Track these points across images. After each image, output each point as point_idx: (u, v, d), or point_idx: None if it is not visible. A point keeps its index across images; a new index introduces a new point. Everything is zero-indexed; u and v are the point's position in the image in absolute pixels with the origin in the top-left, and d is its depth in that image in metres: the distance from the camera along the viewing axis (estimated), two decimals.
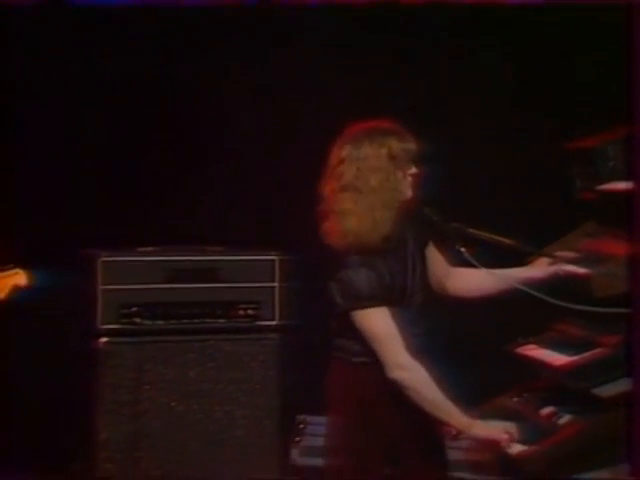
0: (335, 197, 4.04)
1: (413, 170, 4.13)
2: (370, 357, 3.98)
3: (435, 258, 4.17)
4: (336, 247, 4.17)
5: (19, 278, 4.40)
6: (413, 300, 4.07)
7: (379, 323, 4.00)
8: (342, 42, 5.93)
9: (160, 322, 5.09)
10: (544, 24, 5.88)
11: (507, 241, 4.16)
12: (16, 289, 4.38)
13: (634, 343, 4.10)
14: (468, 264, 4.18)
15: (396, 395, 3.99)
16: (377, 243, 4.13)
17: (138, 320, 5.05)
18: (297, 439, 5.16)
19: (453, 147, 5.28)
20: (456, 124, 5.66)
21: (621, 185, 4.31)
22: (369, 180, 4.09)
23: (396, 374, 3.96)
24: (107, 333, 5.01)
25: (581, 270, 4.16)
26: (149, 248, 5.24)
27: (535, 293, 4.11)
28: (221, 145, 5.76)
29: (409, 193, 4.10)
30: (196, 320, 5.12)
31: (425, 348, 4.04)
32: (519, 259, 4.23)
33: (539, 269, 4.23)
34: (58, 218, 5.42)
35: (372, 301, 4.00)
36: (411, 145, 4.11)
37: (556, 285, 4.20)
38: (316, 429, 5.05)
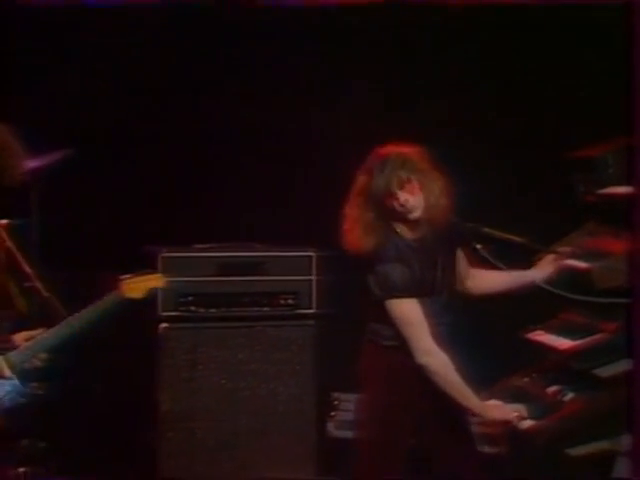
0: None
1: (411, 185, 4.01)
2: (399, 341, 4.03)
3: (461, 261, 4.21)
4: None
5: (157, 281, 4.40)
6: (440, 293, 4.10)
7: (409, 312, 4.04)
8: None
9: (213, 310, 5.10)
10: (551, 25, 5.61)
11: (518, 239, 4.19)
12: (153, 291, 4.39)
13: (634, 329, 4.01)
14: (484, 260, 4.21)
15: (423, 375, 4.03)
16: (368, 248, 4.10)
17: (193, 308, 5.08)
18: (332, 414, 5.19)
19: (472, 158, 5.21)
20: (475, 138, 5.56)
21: (619, 189, 4.28)
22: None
23: (422, 360, 4.01)
24: (167, 320, 5.06)
25: (583, 264, 4.20)
26: (204, 245, 5.26)
27: (544, 285, 4.17)
28: (270, 154, 5.66)
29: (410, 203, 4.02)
30: (244, 308, 5.14)
31: (448, 336, 4.08)
32: (529, 255, 4.27)
33: (542, 271, 4.23)
34: (124, 218, 5.33)
35: (404, 292, 4.05)
36: (416, 167, 4.03)
37: (561, 279, 4.24)
38: (349, 405, 5.09)
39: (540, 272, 4.30)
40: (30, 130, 4.39)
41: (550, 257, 4.27)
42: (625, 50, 4.49)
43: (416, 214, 3.95)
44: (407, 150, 4.10)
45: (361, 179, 4.13)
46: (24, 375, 4.36)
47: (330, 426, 5.17)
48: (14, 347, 4.37)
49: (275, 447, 5.26)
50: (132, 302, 4.36)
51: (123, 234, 5.37)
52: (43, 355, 4.41)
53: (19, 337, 4.39)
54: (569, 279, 4.27)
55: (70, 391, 5.14)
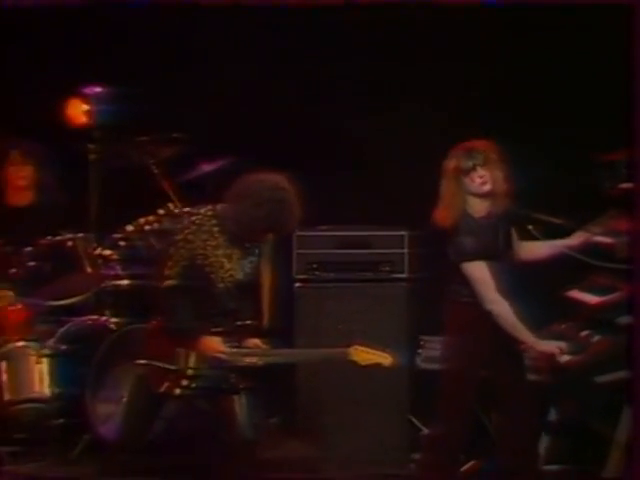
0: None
1: (480, 172, 4.16)
2: (473, 298, 4.24)
3: (514, 236, 4.38)
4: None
5: (385, 360, 4.12)
6: (501, 258, 4.28)
7: (478, 271, 4.23)
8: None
9: (331, 274, 5.19)
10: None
11: (558, 221, 4.43)
12: (374, 366, 4.13)
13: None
14: (533, 237, 4.44)
15: (491, 323, 4.21)
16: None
17: (318, 273, 5.20)
18: (420, 351, 5.12)
19: (524, 158, 4.89)
20: (528, 142, 5.34)
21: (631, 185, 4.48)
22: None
23: (489, 307, 4.20)
24: (299, 280, 5.19)
25: (607, 240, 4.44)
26: (326, 226, 5.33)
27: (577, 255, 4.41)
28: (378, 154, 5.54)
29: (481, 188, 4.16)
30: (354, 273, 5.19)
31: (509, 290, 4.23)
32: (566, 233, 4.45)
33: (577, 239, 4.39)
34: None
35: (474, 257, 4.25)
36: (475, 155, 4.18)
37: (591, 250, 4.44)
38: (433, 345, 5.00)
39: (571, 244, 4.38)
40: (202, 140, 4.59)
41: (581, 234, 4.39)
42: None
43: (487, 187, 4.20)
44: (483, 144, 4.29)
45: (451, 162, 4.24)
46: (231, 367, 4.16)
47: (418, 360, 5.08)
48: (244, 346, 4.19)
49: (375, 374, 4.89)
50: (350, 362, 4.15)
51: None
52: (259, 362, 4.15)
53: (252, 341, 4.27)
54: (597, 251, 4.43)
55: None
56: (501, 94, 5.43)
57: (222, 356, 4.15)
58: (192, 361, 4.15)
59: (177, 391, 4.11)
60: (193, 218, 4.22)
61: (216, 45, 5.46)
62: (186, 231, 4.21)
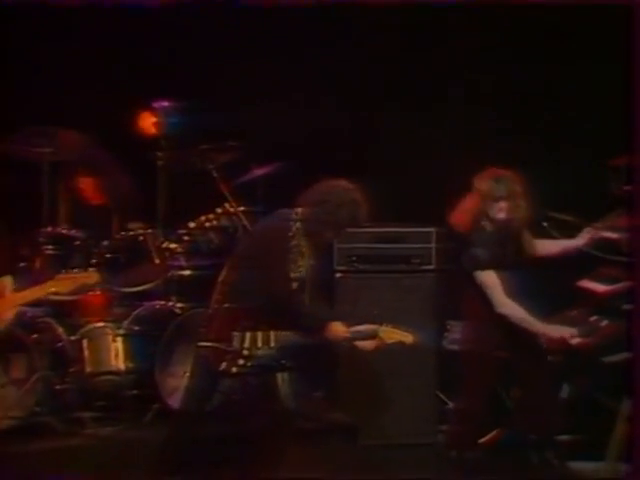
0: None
1: (502, 204, 4.31)
2: None
3: (527, 236, 4.50)
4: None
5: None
6: (510, 266, 4.38)
7: (489, 279, 4.36)
8: None
9: (368, 266, 5.16)
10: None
11: (570, 219, 4.57)
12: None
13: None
14: (549, 234, 4.56)
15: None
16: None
17: (356, 264, 5.16)
18: (446, 334, 5.14)
19: (545, 167, 5.05)
20: (547, 153, 5.39)
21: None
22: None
23: (499, 310, 4.32)
24: (340, 271, 5.17)
25: (614, 235, 4.48)
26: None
27: (587, 249, 4.51)
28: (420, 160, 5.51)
29: (498, 215, 4.32)
30: (388, 265, 5.17)
31: (519, 289, 4.34)
32: (579, 230, 4.54)
33: (583, 238, 4.46)
34: None
35: (485, 267, 4.37)
36: (502, 186, 4.31)
37: (599, 245, 4.51)
38: (457, 328, 5.01)
39: (579, 244, 4.51)
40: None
41: (587, 231, 4.50)
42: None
43: (503, 216, 4.38)
44: (509, 175, 4.41)
45: (481, 185, 4.38)
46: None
47: (444, 342, 5.09)
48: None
49: (407, 355, 5.03)
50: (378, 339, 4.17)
51: None
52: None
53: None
54: (605, 245, 4.51)
55: None
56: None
57: (346, 336, 4.24)
58: (247, 342, 4.21)
59: (234, 369, 4.19)
60: (291, 224, 4.29)
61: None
62: (294, 237, 4.28)
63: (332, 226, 4.31)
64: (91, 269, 4.07)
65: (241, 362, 4.20)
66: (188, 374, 4.51)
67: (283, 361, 4.27)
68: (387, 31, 5.48)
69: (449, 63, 5.46)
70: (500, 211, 4.37)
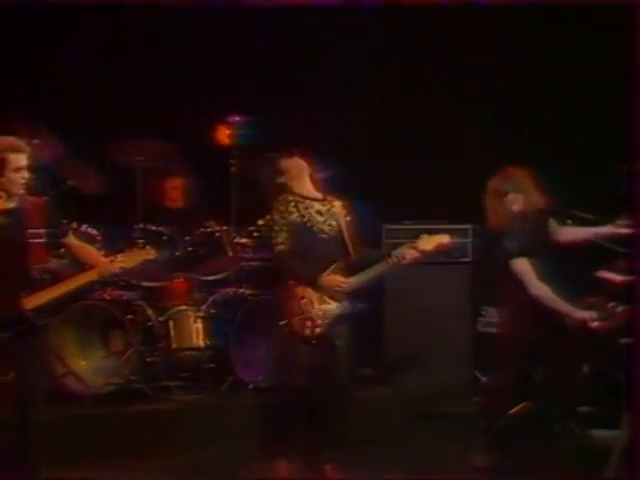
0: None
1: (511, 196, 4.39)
2: None
3: (553, 226, 4.61)
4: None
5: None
6: (540, 253, 4.46)
7: (522, 266, 4.44)
8: None
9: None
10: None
11: (590, 216, 4.61)
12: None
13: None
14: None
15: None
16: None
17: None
18: (480, 318, 5.31)
19: (561, 170, 5.01)
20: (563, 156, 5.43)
21: None
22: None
23: (532, 291, 4.41)
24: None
25: (627, 230, 4.45)
26: (408, 221, 5.52)
27: (604, 243, 4.62)
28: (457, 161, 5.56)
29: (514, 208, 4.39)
30: (431, 257, 4.83)
31: (552, 272, 4.42)
32: (596, 225, 4.59)
33: (606, 229, 4.54)
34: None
35: (517, 255, 4.44)
36: (509, 182, 4.38)
37: (617, 239, 4.57)
38: (490, 313, 5.17)
39: (600, 232, 4.54)
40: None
41: (610, 226, 4.52)
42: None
43: (516, 207, 4.46)
44: (517, 172, 4.49)
45: (492, 184, 4.49)
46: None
47: (479, 325, 5.27)
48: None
49: (446, 336, 5.34)
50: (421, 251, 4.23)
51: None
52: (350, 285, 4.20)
53: (333, 278, 4.25)
54: (621, 240, 4.53)
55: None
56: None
57: (345, 286, 4.26)
58: (316, 307, 4.25)
59: (317, 330, 4.22)
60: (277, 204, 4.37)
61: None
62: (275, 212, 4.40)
63: None
64: (148, 247, 4.17)
65: (319, 322, 4.26)
66: (277, 350, 4.45)
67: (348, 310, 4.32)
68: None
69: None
70: (511, 203, 4.44)
